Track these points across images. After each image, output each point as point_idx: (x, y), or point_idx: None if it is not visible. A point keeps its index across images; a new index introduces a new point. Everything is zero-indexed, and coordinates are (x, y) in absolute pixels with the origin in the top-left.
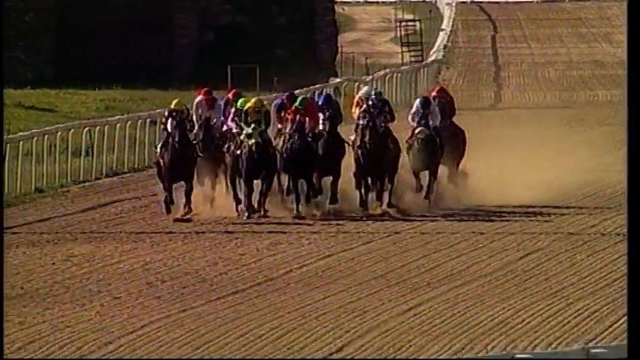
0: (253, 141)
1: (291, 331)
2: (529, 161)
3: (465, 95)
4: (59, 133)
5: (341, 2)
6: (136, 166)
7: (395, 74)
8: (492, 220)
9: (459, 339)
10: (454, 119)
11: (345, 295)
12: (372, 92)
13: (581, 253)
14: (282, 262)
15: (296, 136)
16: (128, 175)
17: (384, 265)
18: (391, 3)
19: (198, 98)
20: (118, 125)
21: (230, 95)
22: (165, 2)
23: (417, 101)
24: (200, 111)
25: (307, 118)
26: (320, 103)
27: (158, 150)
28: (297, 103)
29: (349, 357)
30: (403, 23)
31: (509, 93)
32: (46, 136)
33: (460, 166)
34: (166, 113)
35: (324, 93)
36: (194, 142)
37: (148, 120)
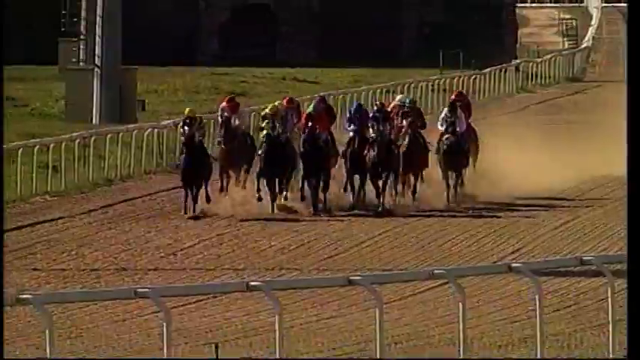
0: (265, 132)
1: (482, 238)
2: None
3: (608, 72)
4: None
5: (520, 7)
6: None
7: (557, 57)
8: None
9: (602, 244)
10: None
11: (519, 212)
12: (407, 100)
13: None
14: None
15: (309, 141)
16: None
17: (547, 193)
18: (555, 7)
19: (223, 104)
20: (363, 93)
21: (285, 102)
22: (395, 6)
23: (446, 109)
24: (225, 113)
25: (319, 124)
26: (352, 111)
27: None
28: (309, 109)
29: (525, 255)
30: (563, 21)
31: None
32: (306, 104)
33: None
34: (181, 122)
35: (355, 103)
36: (217, 139)
37: (384, 88)
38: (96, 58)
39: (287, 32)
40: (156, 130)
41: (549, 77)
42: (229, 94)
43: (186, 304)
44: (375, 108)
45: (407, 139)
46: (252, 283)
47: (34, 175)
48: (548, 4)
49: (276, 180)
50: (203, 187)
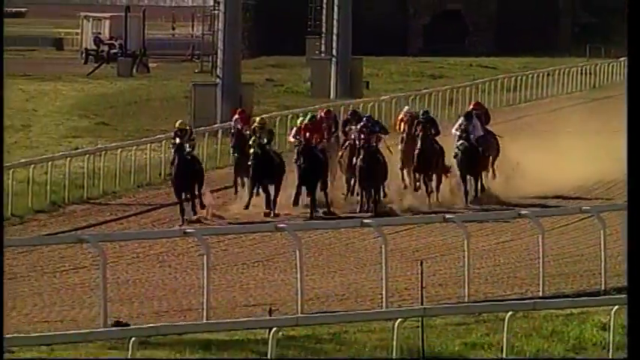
0: (252, 151)
1: (615, 184)
2: None
3: None
4: (496, 82)
5: None
6: (532, 99)
7: None
8: None
9: None
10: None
11: None
12: (421, 111)
13: None
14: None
15: (305, 150)
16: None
17: None
18: None
19: (236, 116)
20: (530, 76)
21: (322, 114)
22: (553, 11)
23: (462, 117)
24: (238, 126)
25: (315, 134)
26: (364, 121)
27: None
28: (305, 120)
29: None
30: None
31: None
32: (487, 83)
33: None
34: (172, 134)
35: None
36: (231, 147)
37: (545, 72)
38: (333, 50)
39: (473, 31)
40: (376, 103)
41: None
42: (431, 77)
43: (398, 231)
44: (365, 119)
45: (419, 145)
46: (448, 216)
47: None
48: None
49: (265, 188)
50: (192, 195)
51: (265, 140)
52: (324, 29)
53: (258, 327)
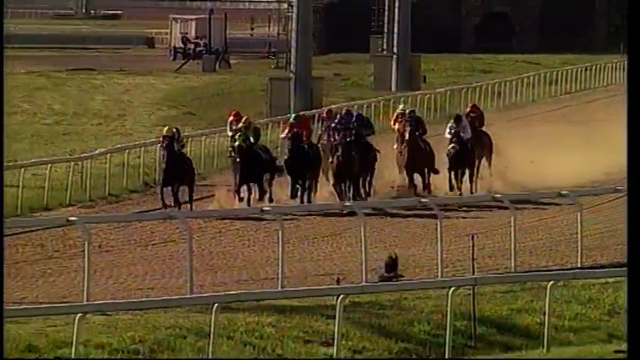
0: (237, 144)
1: None
2: None
3: None
4: (539, 76)
5: None
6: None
7: None
8: None
9: None
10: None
11: None
12: (407, 110)
13: None
14: None
15: (293, 145)
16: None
17: None
18: None
19: (230, 118)
20: (568, 71)
21: (324, 114)
22: (590, 13)
23: (452, 120)
24: (234, 127)
25: (303, 131)
26: (353, 118)
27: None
28: (291, 119)
29: None
30: None
31: None
32: (531, 77)
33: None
34: (162, 137)
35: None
36: (229, 149)
37: (583, 67)
38: (394, 48)
39: (519, 31)
40: (432, 95)
41: None
42: (481, 72)
43: (450, 210)
44: (337, 119)
45: (406, 143)
46: (496, 195)
47: None
48: None
49: (252, 183)
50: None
51: (252, 139)
52: (385, 29)
53: (327, 294)
